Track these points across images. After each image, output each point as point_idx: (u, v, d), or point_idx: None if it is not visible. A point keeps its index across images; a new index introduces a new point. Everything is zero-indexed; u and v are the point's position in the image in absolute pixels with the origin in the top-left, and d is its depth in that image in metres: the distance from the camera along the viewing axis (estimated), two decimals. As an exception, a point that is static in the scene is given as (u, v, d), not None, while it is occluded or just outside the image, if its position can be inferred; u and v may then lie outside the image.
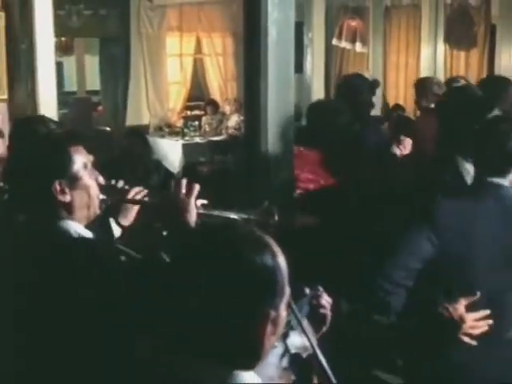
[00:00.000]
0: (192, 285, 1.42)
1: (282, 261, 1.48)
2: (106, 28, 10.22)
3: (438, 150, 3.78)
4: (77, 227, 2.16)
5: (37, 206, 2.15)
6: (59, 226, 2.13)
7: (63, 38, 11.67)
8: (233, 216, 2.33)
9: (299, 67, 10.10)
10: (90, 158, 2.27)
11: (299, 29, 9.79)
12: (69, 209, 2.15)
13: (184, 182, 2.29)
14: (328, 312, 2.14)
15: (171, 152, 10.29)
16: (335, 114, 4.06)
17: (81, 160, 2.18)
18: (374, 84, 4.98)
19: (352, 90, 4.60)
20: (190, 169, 9.83)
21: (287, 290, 1.49)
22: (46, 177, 2.12)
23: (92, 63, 12.22)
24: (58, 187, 2.12)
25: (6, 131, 5.91)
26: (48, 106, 6.62)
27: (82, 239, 2.14)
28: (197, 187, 2.28)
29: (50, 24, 6.59)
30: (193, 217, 2.23)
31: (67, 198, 2.13)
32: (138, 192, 2.57)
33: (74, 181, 2.16)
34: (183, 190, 2.26)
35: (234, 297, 1.41)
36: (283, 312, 1.49)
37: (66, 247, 2.08)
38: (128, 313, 1.97)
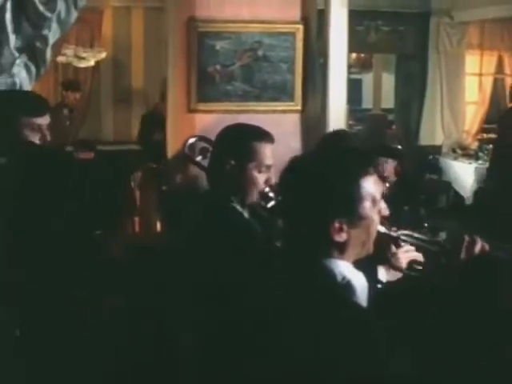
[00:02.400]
0: None
1: None
2: (403, 44, 10.10)
3: None
4: (344, 268, 1.83)
5: (304, 238, 1.83)
6: (325, 264, 1.80)
7: (362, 55, 11.77)
8: None
9: None
10: (382, 187, 1.98)
11: None
12: (341, 248, 1.82)
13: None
14: None
15: (463, 175, 9.91)
16: None
17: (371, 195, 1.81)
18: None
19: None
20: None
21: None
22: (326, 214, 1.78)
23: (389, 80, 12.17)
24: (336, 226, 1.78)
25: (298, 142, 6.03)
26: (337, 121, 6.65)
27: (346, 284, 1.80)
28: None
29: (345, 40, 6.61)
30: None
31: (343, 238, 1.80)
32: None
33: (357, 220, 1.81)
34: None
35: None
36: None
37: (327, 291, 1.78)
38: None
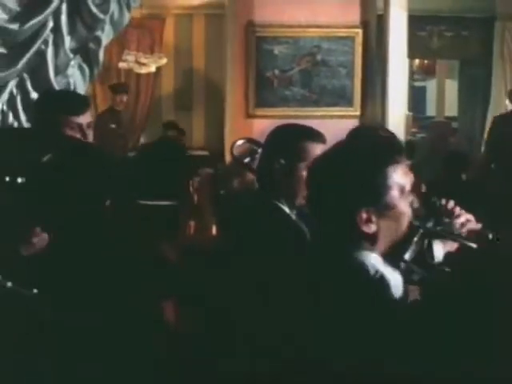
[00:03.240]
0: None
1: None
2: (467, 50, 9.91)
3: None
4: (376, 261, 1.77)
5: (334, 230, 1.78)
6: (356, 257, 1.75)
7: (426, 61, 11.62)
8: None
9: None
10: (410, 177, 1.91)
11: None
12: (371, 240, 1.76)
13: None
14: None
15: None
16: None
17: (399, 185, 1.74)
18: None
19: None
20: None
21: None
22: (353, 204, 1.72)
23: (452, 87, 11.98)
24: (363, 216, 1.72)
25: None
26: (397, 127, 6.53)
27: (379, 278, 1.73)
28: None
29: (404, 45, 6.53)
30: None
31: (372, 229, 1.73)
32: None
33: (385, 210, 1.74)
34: None
35: None
36: None
37: (361, 285, 1.71)
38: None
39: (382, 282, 1.70)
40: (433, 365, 1.45)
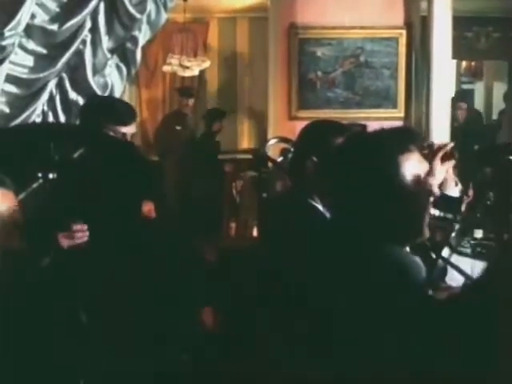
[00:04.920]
0: None
1: None
2: (514, 52, 9.75)
3: None
4: (397, 250, 1.74)
5: (350, 220, 1.77)
6: (378, 247, 1.73)
7: (473, 63, 11.44)
8: None
9: None
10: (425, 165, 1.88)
11: None
12: (390, 229, 1.74)
13: None
14: None
15: None
16: None
17: (413, 174, 1.73)
18: None
19: None
20: None
21: None
22: (368, 194, 1.73)
23: (500, 90, 11.77)
24: (379, 206, 1.73)
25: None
26: (439, 131, 6.43)
27: (403, 267, 1.71)
28: None
29: (449, 47, 6.42)
30: None
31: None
32: None
33: (400, 200, 1.72)
34: None
35: None
36: None
37: (384, 273, 1.69)
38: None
39: (405, 270, 1.67)
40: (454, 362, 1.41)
